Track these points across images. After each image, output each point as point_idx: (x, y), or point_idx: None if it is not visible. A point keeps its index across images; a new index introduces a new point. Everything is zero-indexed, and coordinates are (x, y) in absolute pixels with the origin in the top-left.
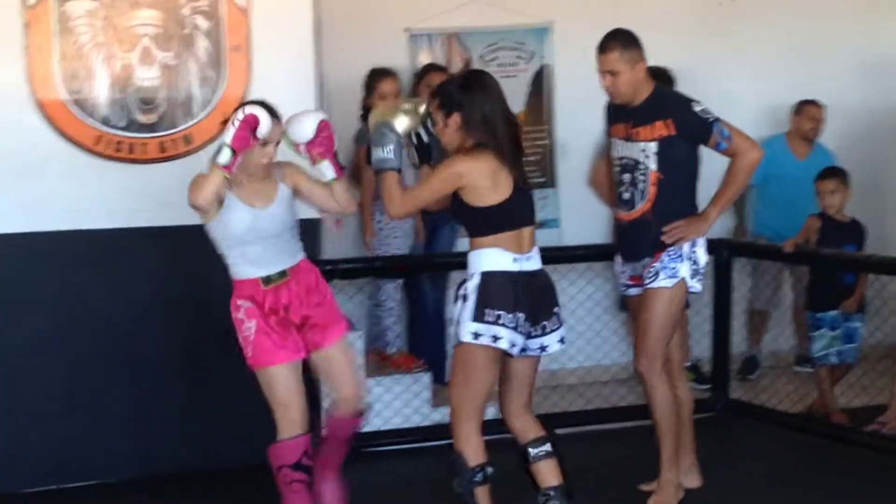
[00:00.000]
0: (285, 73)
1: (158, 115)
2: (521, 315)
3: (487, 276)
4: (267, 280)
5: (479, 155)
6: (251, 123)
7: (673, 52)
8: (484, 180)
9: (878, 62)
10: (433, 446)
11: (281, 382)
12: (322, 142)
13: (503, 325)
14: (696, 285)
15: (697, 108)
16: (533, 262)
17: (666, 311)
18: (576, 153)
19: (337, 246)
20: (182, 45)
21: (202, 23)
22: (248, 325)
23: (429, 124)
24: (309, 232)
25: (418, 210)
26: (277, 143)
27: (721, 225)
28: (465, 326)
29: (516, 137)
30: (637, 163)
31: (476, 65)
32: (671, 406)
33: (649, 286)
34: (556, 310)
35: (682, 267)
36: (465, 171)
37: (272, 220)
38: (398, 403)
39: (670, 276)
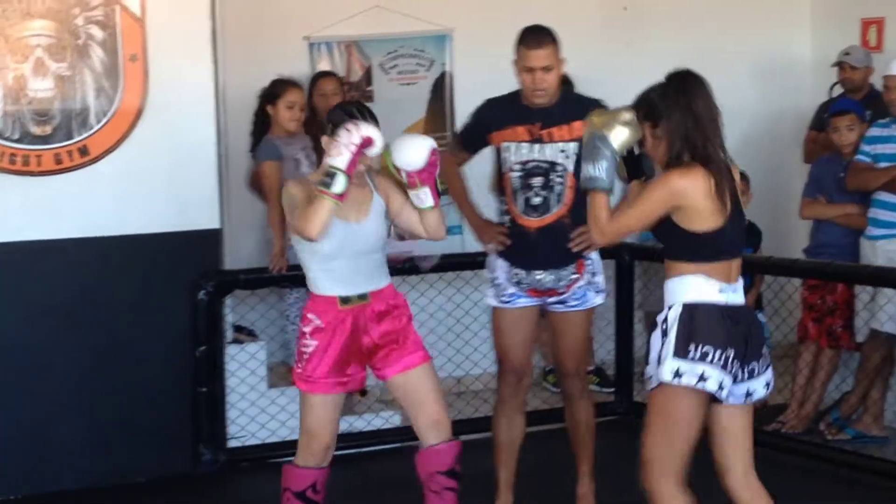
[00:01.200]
0: (183, 81)
1: (53, 127)
2: (731, 352)
3: (692, 308)
4: (345, 300)
5: (695, 171)
6: (367, 146)
7: (574, 57)
8: (705, 201)
9: (776, 67)
10: (338, 455)
11: (315, 412)
12: (428, 169)
13: (711, 362)
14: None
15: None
16: (739, 296)
17: (589, 327)
18: (477, 159)
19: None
20: (76, 56)
21: (97, 32)
22: (308, 342)
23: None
24: (209, 242)
25: (624, 237)
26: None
27: None
28: (666, 364)
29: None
30: (553, 165)
31: (376, 73)
32: (595, 422)
33: (580, 308)
34: (765, 350)
35: (600, 278)
36: (684, 191)
37: (366, 235)
38: None
39: (598, 292)
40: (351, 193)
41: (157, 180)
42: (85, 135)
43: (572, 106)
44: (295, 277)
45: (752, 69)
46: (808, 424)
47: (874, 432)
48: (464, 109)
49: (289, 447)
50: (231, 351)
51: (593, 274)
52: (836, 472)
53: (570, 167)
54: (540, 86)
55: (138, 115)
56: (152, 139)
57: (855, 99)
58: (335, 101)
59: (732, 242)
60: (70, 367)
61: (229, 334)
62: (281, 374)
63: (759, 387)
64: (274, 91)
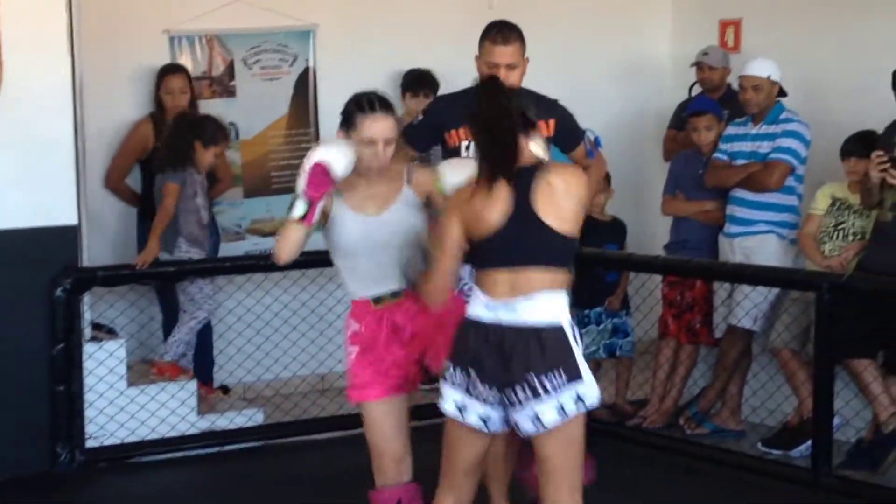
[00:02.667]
0: (39, 75)
1: None
2: (471, 371)
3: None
4: (377, 300)
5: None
6: (321, 169)
7: (437, 55)
8: (467, 210)
9: (638, 66)
10: (200, 454)
11: (375, 424)
12: None
13: (446, 380)
14: None
15: (571, 112)
16: (514, 314)
17: None
18: None
19: None
20: None
21: None
22: (350, 349)
23: None
24: (67, 239)
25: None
26: (393, 142)
27: None
28: None
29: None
30: None
31: (238, 67)
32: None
33: None
34: (530, 375)
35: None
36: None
37: (387, 227)
38: (163, 412)
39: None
40: (375, 187)
41: (12, 175)
42: None
43: (535, 105)
44: (158, 274)
45: (613, 68)
46: (668, 419)
47: (732, 426)
48: (327, 105)
49: (147, 447)
50: (89, 349)
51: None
52: (695, 466)
53: None
54: (505, 83)
55: None
56: (6, 134)
57: (712, 98)
58: (182, 98)
59: (500, 255)
60: None
61: (88, 332)
62: (141, 371)
63: (549, 409)
64: (214, 136)
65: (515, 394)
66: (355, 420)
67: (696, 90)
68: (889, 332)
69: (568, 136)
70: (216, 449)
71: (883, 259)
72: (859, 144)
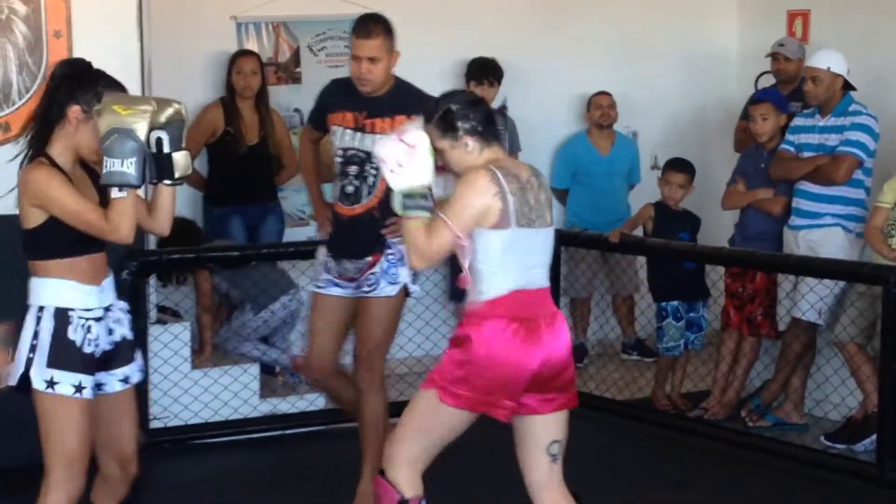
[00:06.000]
0: (108, 59)
1: None
2: None
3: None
4: None
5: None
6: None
7: (503, 42)
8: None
9: (703, 57)
10: (262, 437)
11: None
12: None
13: None
14: (416, 288)
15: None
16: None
17: (390, 321)
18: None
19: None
20: None
21: (20, 7)
22: None
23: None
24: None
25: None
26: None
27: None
28: None
29: None
30: (369, 155)
31: (304, 54)
32: (383, 420)
33: (370, 295)
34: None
35: (403, 271)
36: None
37: None
38: (226, 395)
39: (391, 283)
40: None
41: None
42: (7, 111)
43: (401, 100)
44: (222, 258)
45: (679, 59)
46: (729, 411)
47: (794, 419)
48: None
49: (210, 429)
50: (154, 331)
51: (393, 265)
52: (756, 459)
53: None
54: (364, 76)
55: None
56: None
57: (783, 90)
58: (254, 80)
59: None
60: None
61: (153, 315)
62: (206, 355)
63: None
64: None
65: None
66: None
67: (763, 82)
68: None
69: None
70: (278, 432)
71: None
72: None
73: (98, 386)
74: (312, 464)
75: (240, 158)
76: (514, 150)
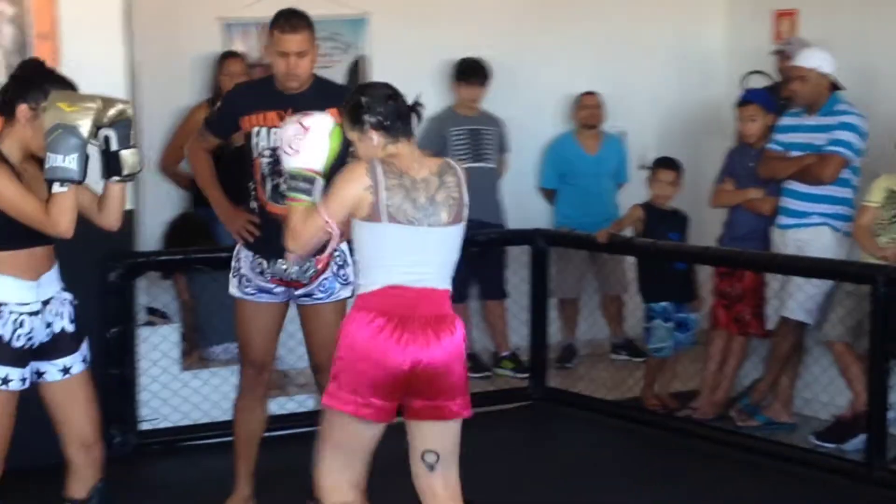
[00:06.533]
0: (95, 61)
1: None
2: None
3: None
4: None
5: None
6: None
7: (491, 42)
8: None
9: (690, 57)
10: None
11: None
12: None
13: None
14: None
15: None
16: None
17: (341, 320)
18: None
19: None
20: None
21: (6, 8)
22: None
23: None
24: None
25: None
26: None
27: (540, 216)
28: None
29: None
30: None
31: None
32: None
33: (328, 300)
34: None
35: (350, 269)
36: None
37: None
38: (216, 396)
39: (346, 283)
40: None
41: None
42: None
43: (324, 93)
44: (212, 260)
45: (667, 58)
46: (719, 411)
47: (784, 419)
48: None
49: (200, 430)
50: (143, 333)
51: (340, 266)
52: (746, 458)
53: None
54: (294, 70)
55: None
56: None
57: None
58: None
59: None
60: None
61: (142, 316)
62: (194, 357)
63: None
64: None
65: None
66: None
67: (747, 82)
68: None
69: None
70: (266, 434)
71: None
72: None
73: (39, 374)
74: (301, 465)
75: (227, 159)
76: (503, 150)
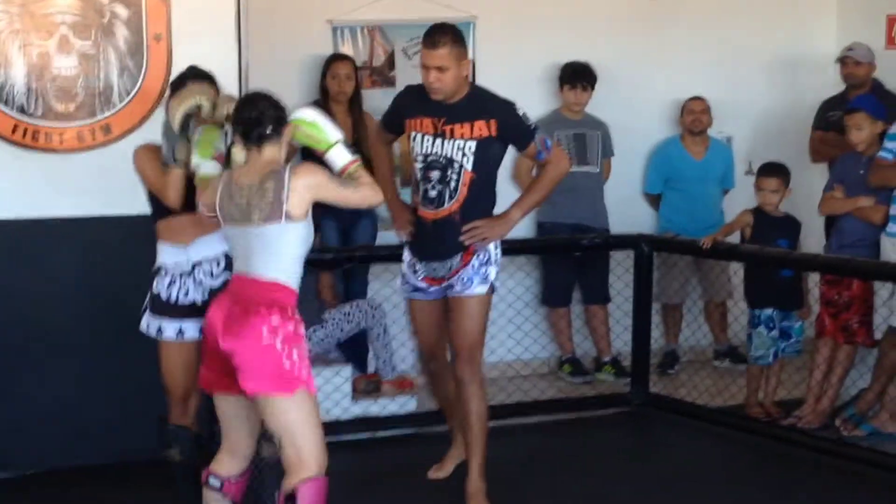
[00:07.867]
0: (207, 62)
1: (76, 105)
2: None
3: None
4: None
5: None
6: None
7: (599, 46)
8: None
9: (800, 62)
10: (353, 440)
11: None
12: None
13: None
14: (498, 286)
15: (521, 112)
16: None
17: (484, 317)
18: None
19: None
20: (101, 34)
21: (121, 11)
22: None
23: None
24: None
25: None
26: None
27: (644, 220)
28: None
29: None
30: (451, 161)
31: (398, 58)
32: (486, 413)
33: (464, 293)
34: None
35: (493, 270)
36: None
37: None
38: (319, 397)
39: (483, 282)
40: None
41: None
42: (108, 113)
43: (477, 105)
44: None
45: (776, 64)
46: (824, 420)
47: (890, 429)
48: None
49: None
50: None
51: (483, 264)
52: (851, 468)
53: (468, 165)
54: (433, 84)
55: (162, 94)
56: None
57: (852, 94)
58: (348, 84)
59: None
60: (90, 345)
61: None
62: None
63: None
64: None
65: None
66: (502, 410)
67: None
68: None
69: (514, 135)
70: (368, 435)
71: None
72: None
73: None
74: (402, 467)
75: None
76: (607, 154)
